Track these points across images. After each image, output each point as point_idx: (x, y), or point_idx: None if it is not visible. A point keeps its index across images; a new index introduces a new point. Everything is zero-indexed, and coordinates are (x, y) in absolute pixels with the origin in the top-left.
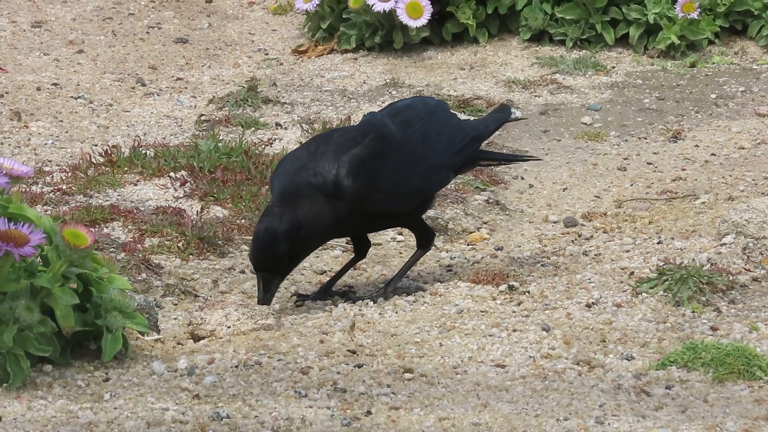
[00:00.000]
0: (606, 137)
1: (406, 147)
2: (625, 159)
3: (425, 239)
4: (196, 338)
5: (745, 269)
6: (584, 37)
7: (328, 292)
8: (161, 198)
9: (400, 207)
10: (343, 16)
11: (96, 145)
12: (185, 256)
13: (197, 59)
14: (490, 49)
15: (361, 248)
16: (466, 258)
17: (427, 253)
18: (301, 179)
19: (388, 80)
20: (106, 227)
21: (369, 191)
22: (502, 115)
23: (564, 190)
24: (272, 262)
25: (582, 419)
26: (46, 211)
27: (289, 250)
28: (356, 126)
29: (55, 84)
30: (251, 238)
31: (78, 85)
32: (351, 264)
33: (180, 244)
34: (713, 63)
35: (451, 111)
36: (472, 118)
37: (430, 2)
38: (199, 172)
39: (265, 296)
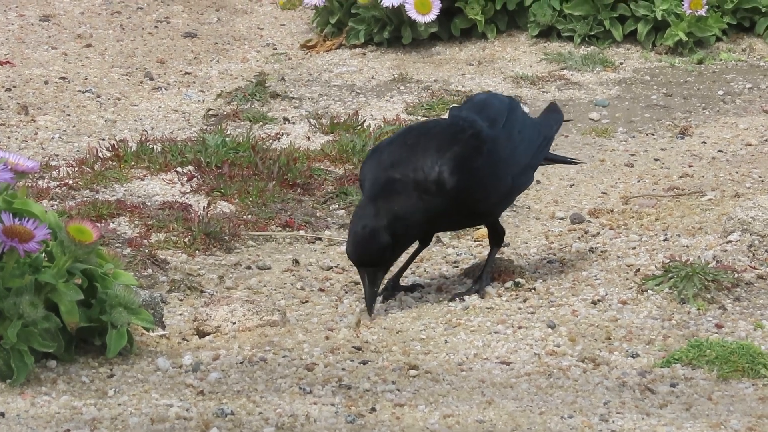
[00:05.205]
0: (613, 133)
1: (499, 145)
2: (633, 155)
3: (500, 236)
4: (202, 334)
5: (751, 267)
6: (592, 33)
7: (396, 287)
8: (168, 193)
9: (499, 207)
10: (352, 12)
11: (103, 140)
12: (191, 252)
13: (206, 53)
14: (499, 44)
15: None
16: (472, 254)
17: (433, 249)
18: (398, 174)
19: (396, 75)
20: (113, 222)
21: (471, 189)
22: (558, 115)
23: (571, 186)
24: (376, 254)
25: (586, 417)
26: (52, 206)
27: (392, 240)
28: (448, 120)
29: (62, 78)
30: (348, 236)
31: (86, 79)
32: (416, 254)
33: (186, 240)
34: (721, 60)
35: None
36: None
37: None
38: (206, 167)
39: (372, 290)
